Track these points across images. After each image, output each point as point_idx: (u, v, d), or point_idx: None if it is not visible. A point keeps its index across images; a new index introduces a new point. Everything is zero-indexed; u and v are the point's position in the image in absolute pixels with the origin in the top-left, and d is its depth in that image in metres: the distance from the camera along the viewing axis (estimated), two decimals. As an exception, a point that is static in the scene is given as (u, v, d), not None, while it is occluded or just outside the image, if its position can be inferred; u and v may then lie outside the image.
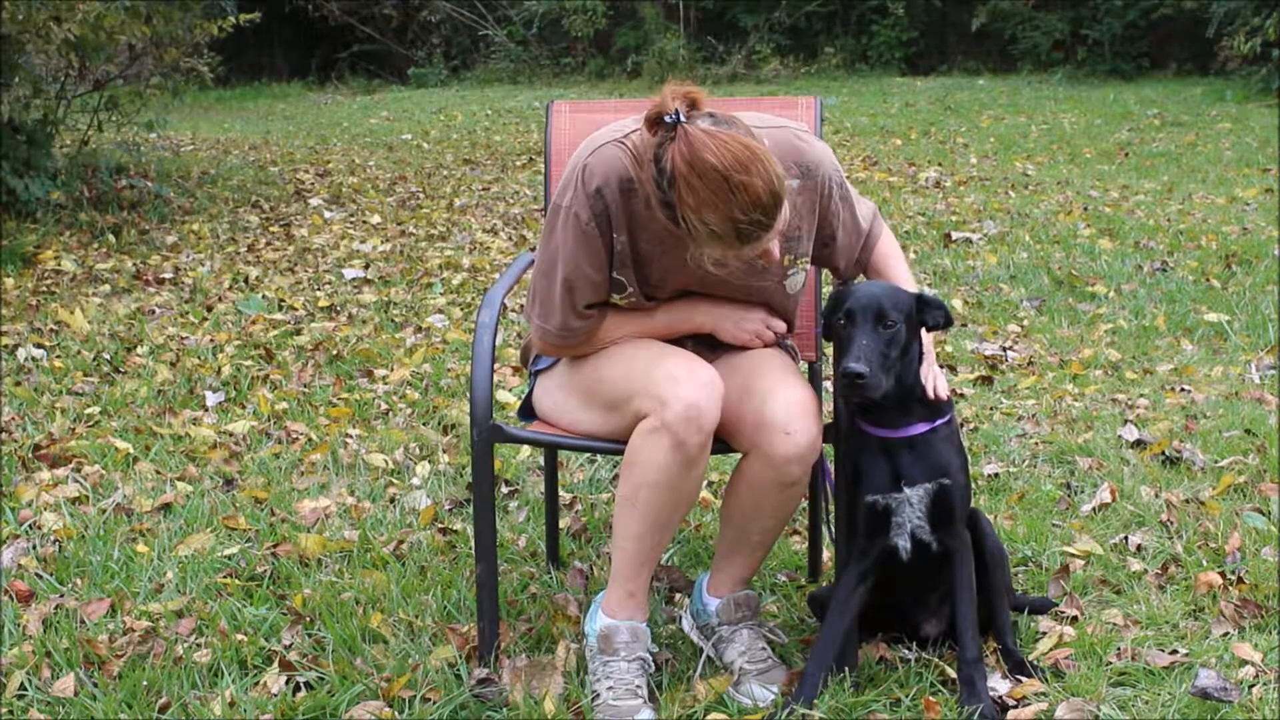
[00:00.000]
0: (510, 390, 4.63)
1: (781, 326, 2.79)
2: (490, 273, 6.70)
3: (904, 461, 2.61)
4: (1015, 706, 2.58)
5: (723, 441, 2.65)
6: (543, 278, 2.67)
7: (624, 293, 2.67)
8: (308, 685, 2.75)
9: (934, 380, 2.63)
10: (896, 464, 2.61)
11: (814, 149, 2.65)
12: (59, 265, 6.70)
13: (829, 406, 2.78)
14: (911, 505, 2.62)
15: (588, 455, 4.03)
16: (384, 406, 4.64)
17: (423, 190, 9.27)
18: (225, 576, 3.26)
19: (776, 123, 2.65)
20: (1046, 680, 2.66)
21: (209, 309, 5.98)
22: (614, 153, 2.55)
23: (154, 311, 5.95)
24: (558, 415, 2.78)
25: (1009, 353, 5.13)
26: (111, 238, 7.38)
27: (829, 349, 2.81)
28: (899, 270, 2.79)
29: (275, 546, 3.43)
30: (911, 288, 2.68)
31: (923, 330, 2.64)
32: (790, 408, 2.57)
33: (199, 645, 2.90)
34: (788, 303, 2.78)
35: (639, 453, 2.53)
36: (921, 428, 2.62)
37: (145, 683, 2.73)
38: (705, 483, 3.85)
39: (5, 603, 3.10)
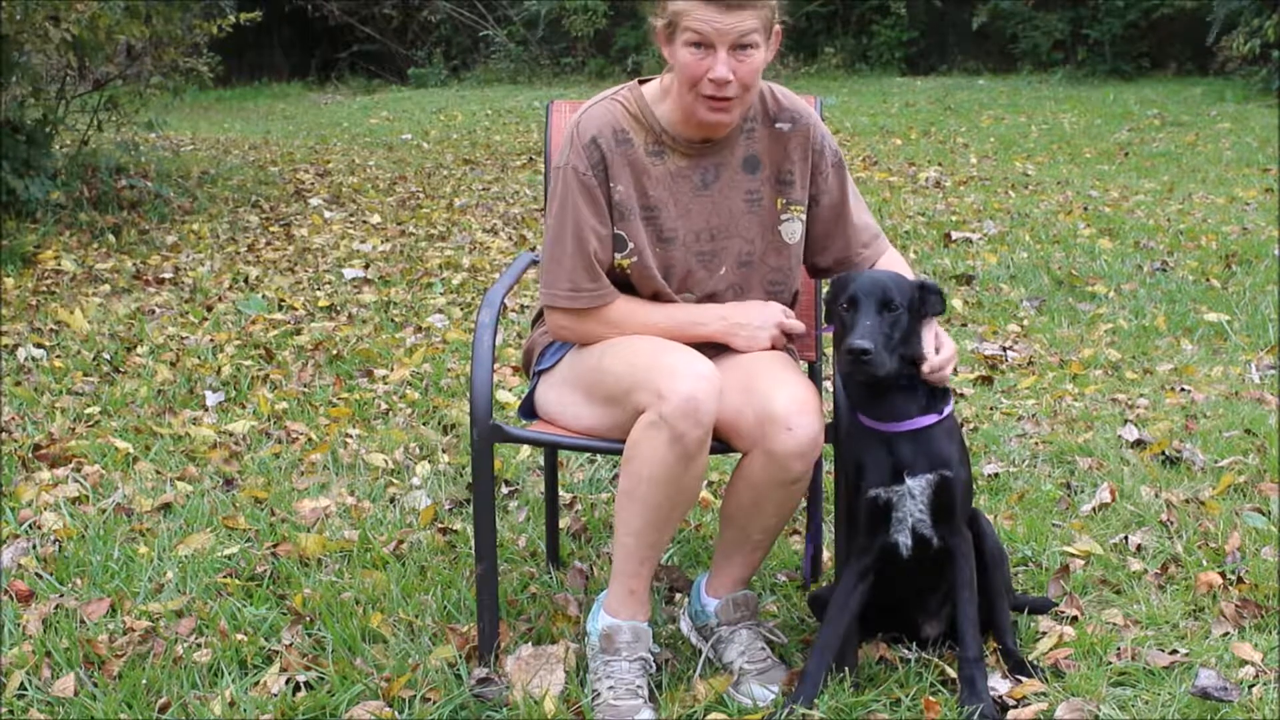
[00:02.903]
0: (510, 390, 4.63)
1: (799, 326, 2.80)
2: (490, 273, 6.70)
3: (904, 454, 2.61)
4: (1015, 706, 2.58)
5: (724, 442, 2.65)
6: (549, 243, 2.73)
7: (625, 250, 2.70)
8: (308, 685, 2.74)
9: (944, 360, 2.63)
10: (897, 457, 2.61)
11: (808, 108, 2.82)
12: (59, 265, 6.70)
13: (829, 406, 2.78)
14: (913, 498, 2.62)
15: (588, 455, 4.03)
16: (384, 406, 4.64)
17: (423, 190, 9.27)
18: (225, 576, 3.26)
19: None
20: (1046, 680, 2.66)
21: (209, 309, 5.98)
22: (605, 106, 2.72)
23: (154, 311, 5.95)
24: (560, 411, 2.78)
25: (1009, 353, 5.13)
26: (111, 238, 7.38)
27: (829, 349, 2.81)
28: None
29: (275, 546, 3.43)
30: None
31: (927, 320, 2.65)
32: (792, 404, 2.57)
33: (199, 645, 2.90)
34: (786, 255, 2.80)
35: (638, 447, 2.54)
36: (921, 421, 2.62)
37: (145, 683, 2.74)
38: (705, 482, 3.85)
39: (5, 603, 3.10)
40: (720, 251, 2.75)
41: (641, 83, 2.77)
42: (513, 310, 5.73)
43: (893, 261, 2.84)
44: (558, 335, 2.81)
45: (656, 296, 2.76)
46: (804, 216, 2.80)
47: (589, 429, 2.73)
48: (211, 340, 5.45)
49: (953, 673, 2.68)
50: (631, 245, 2.70)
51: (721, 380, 2.56)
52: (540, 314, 2.88)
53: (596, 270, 2.69)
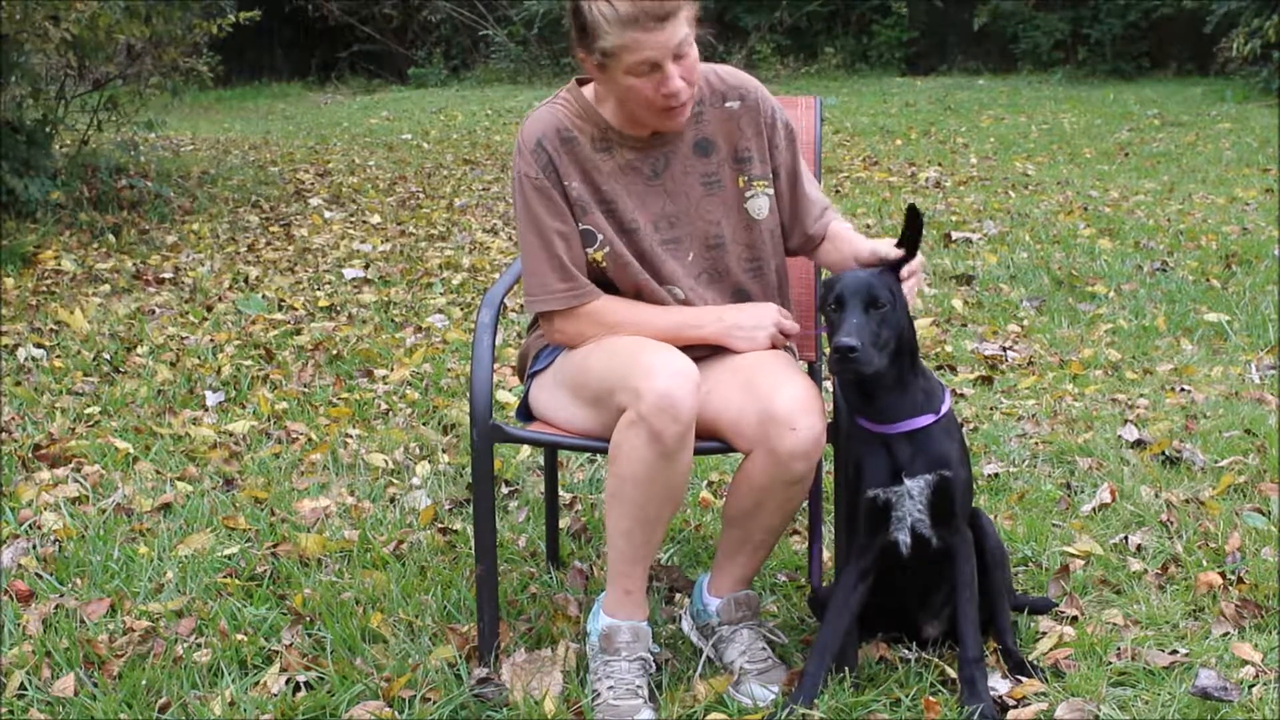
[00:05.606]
0: (510, 390, 4.62)
1: (794, 327, 2.80)
2: (490, 273, 6.70)
3: (903, 454, 2.61)
4: (1015, 706, 2.58)
5: (725, 442, 2.65)
6: (521, 253, 2.76)
7: (595, 243, 2.72)
8: (308, 685, 2.75)
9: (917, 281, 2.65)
10: (896, 457, 2.61)
11: (753, 81, 2.84)
12: (59, 265, 6.70)
13: (829, 406, 2.78)
14: (912, 497, 2.62)
15: (588, 455, 4.03)
16: (384, 406, 4.64)
17: (423, 190, 9.27)
18: (225, 576, 3.26)
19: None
20: (1046, 680, 2.66)
21: (209, 309, 5.98)
22: (547, 110, 2.77)
23: (154, 311, 5.95)
24: (553, 412, 2.79)
25: (1009, 353, 5.13)
26: (111, 238, 7.38)
27: (828, 349, 2.81)
28: (857, 240, 2.80)
29: (275, 546, 3.43)
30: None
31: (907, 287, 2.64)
32: (795, 404, 2.57)
33: (199, 645, 2.90)
34: (757, 232, 2.81)
35: (620, 447, 2.54)
36: (919, 421, 2.62)
37: (145, 683, 2.73)
38: (706, 483, 3.85)
39: (5, 603, 3.10)
40: (684, 238, 2.76)
41: (581, 83, 2.78)
42: (513, 310, 5.73)
43: (845, 230, 2.86)
44: (554, 340, 2.82)
45: (639, 292, 2.76)
46: (770, 191, 2.81)
47: (580, 430, 2.73)
48: (211, 340, 5.45)
49: (953, 673, 2.68)
50: (601, 237, 2.71)
51: (700, 377, 2.56)
52: (536, 319, 2.89)
53: (568, 270, 2.70)
